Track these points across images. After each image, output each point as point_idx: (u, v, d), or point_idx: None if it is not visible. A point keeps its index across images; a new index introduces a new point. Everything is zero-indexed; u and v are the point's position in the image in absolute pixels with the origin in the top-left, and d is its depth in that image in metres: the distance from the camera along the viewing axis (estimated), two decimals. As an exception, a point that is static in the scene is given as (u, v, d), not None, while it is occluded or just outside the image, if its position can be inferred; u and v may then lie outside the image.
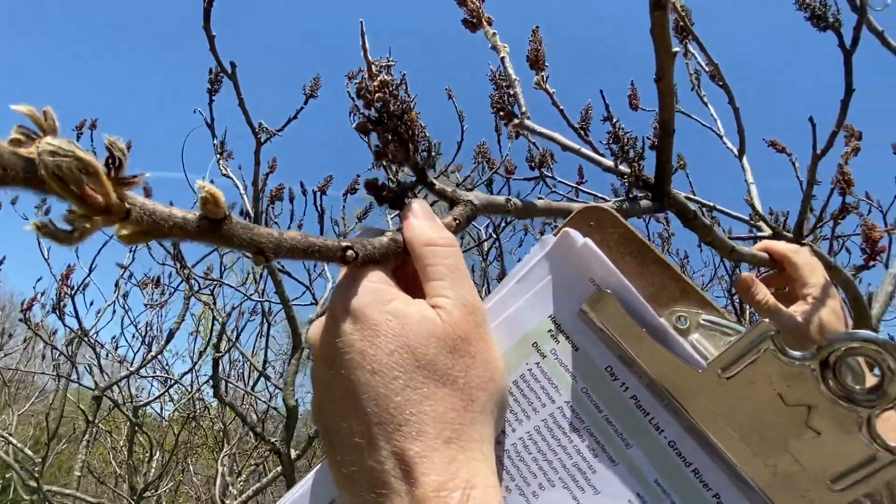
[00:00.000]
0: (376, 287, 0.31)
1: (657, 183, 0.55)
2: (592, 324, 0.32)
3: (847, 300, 0.93)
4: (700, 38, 1.13)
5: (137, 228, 0.23)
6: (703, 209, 1.62)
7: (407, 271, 0.34)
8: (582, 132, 1.17)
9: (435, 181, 0.38)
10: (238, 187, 1.68)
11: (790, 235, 0.75)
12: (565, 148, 0.68)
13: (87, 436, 2.72)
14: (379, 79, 0.34)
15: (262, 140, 1.40)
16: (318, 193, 1.76)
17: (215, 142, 1.58)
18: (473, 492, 0.26)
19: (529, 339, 0.34)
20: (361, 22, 0.34)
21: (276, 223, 1.94)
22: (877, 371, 0.27)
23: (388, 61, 0.36)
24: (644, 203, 0.56)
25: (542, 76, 0.82)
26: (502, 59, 0.70)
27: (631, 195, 0.56)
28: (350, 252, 0.30)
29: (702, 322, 0.31)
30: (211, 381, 2.07)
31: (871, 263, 1.31)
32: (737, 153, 1.36)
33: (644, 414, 0.31)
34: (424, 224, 0.34)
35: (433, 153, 0.37)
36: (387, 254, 0.33)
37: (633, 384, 0.31)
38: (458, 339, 0.29)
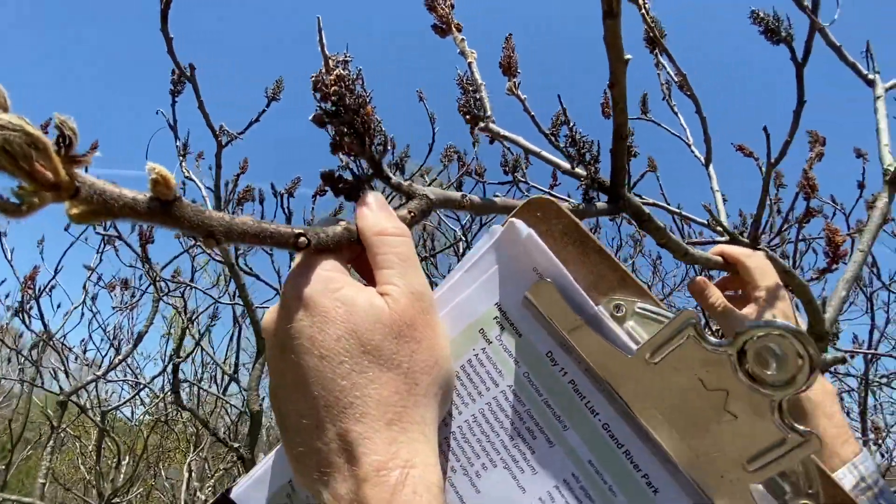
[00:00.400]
0: (328, 275, 0.32)
1: (612, 186, 0.57)
2: (535, 311, 0.34)
3: (801, 303, 0.97)
4: (675, 46, 1.16)
5: (87, 208, 0.24)
6: (676, 216, 1.66)
7: (366, 260, 0.35)
8: (553, 137, 1.20)
9: (391, 175, 0.39)
10: (200, 189, 1.67)
11: (746, 241, 0.77)
12: (527, 151, 0.70)
13: (51, 442, 2.66)
14: (335, 73, 0.35)
15: (224, 143, 1.39)
16: (286, 196, 1.75)
17: (178, 143, 1.56)
18: (412, 471, 0.28)
19: (477, 326, 0.35)
20: (318, 18, 0.35)
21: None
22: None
23: (346, 57, 0.37)
24: (600, 205, 0.58)
25: (514, 82, 0.84)
26: (469, 63, 0.72)
27: (588, 197, 0.58)
28: (302, 239, 0.31)
29: (637, 310, 0.33)
30: (176, 386, 2.04)
31: (835, 266, 1.36)
32: (703, 162, 1.39)
33: (581, 398, 0.32)
34: (378, 214, 0.35)
35: (389, 147, 0.38)
36: (340, 242, 0.33)
37: (572, 369, 0.33)
38: (404, 326, 0.31)
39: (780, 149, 0.85)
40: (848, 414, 3.39)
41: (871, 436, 2.55)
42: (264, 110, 1.49)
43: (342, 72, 0.36)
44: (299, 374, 0.30)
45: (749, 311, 0.66)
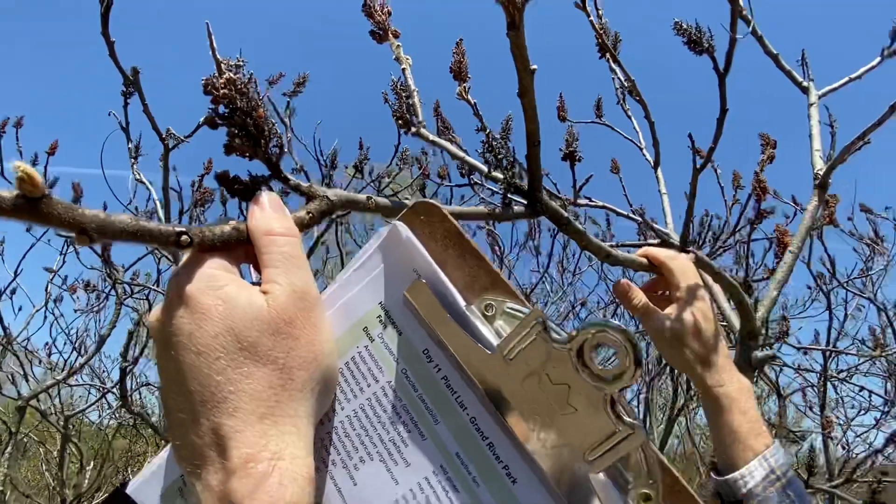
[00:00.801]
0: (211, 273, 0.32)
1: (530, 190, 0.58)
2: (413, 310, 0.35)
3: (734, 304, 1.00)
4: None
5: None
6: (640, 217, 1.69)
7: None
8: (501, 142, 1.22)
9: (289, 176, 0.40)
10: (151, 191, 1.65)
11: (676, 243, 0.80)
12: (453, 156, 0.71)
13: (9, 448, 2.61)
14: (225, 76, 0.36)
15: (171, 146, 1.38)
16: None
17: (130, 146, 1.54)
18: (280, 462, 0.28)
19: (361, 324, 0.36)
20: (207, 23, 0.36)
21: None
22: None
23: (239, 61, 0.37)
24: (518, 209, 0.59)
25: (465, 87, 0.85)
26: (403, 70, 0.73)
27: (506, 201, 0.59)
28: (185, 237, 0.32)
29: (506, 310, 0.34)
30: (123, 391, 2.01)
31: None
32: (652, 164, 1.42)
33: (452, 393, 0.34)
34: (268, 214, 0.35)
35: (285, 150, 0.39)
36: (228, 241, 0.34)
37: (446, 366, 0.34)
38: (282, 323, 0.31)
39: (706, 155, 0.88)
40: (811, 409, 3.47)
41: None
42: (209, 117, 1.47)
43: (233, 76, 0.36)
44: (179, 369, 0.30)
45: (671, 310, 0.68)
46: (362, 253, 0.38)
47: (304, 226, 0.38)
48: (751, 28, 1.16)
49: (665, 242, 0.82)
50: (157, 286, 2.65)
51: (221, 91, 0.36)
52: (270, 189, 0.39)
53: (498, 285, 0.35)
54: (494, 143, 0.61)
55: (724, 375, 0.65)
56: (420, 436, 0.33)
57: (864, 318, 3.32)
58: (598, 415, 0.30)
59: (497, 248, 2.87)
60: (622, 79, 1.39)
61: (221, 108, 0.37)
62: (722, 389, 0.64)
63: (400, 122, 0.72)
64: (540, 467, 0.31)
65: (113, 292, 2.58)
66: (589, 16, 1.03)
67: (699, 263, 0.85)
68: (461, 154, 0.71)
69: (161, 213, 1.49)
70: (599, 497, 0.30)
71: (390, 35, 0.74)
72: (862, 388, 3.24)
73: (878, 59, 1.12)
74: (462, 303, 0.34)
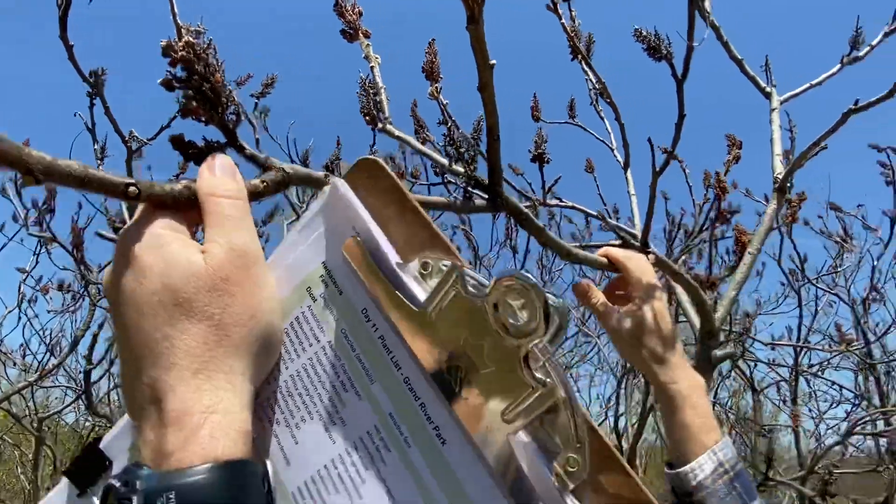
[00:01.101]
0: (157, 232, 0.33)
1: (490, 184, 0.60)
2: (351, 268, 0.35)
3: (693, 304, 1.02)
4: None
5: None
6: (601, 218, 1.71)
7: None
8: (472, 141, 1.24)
9: (245, 145, 0.41)
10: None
11: (637, 244, 0.82)
12: (416, 150, 0.73)
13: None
14: (185, 40, 0.37)
15: (134, 149, 1.36)
16: None
17: (96, 147, 1.52)
18: (213, 416, 0.29)
19: (305, 285, 0.37)
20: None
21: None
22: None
23: (199, 28, 0.39)
24: (478, 202, 0.61)
25: (437, 87, 0.87)
26: (372, 68, 0.75)
27: (467, 194, 0.61)
28: (132, 189, 0.32)
29: (442, 267, 0.34)
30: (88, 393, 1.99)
31: (740, 262, 1.44)
32: (623, 165, 1.44)
33: (388, 352, 0.34)
34: (216, 177, 0.36)
35: (241, 117, 0.40)
36: (178, 200, 0.34)
37: (383, 325, 0.34)
38: (219, 280, 0.32)
39: (664, 158, 0.91)
40: (784, 402, 3.53)
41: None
42: (175, 116, 1.44)
43: (192, 39, 0.38)
44: (124, 326, 0.31)
45: (627, 309, 0.69)
46: (307, 213, 0.38)
47: (257, 194, 0.39)
48: (710, 33, 1.19)
49: (626, 243, 0.84)
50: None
51: (180, 53, 0.37)
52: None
53: (436, 243, 0.35)
54: (456, 136, 0.62)
55: (677, 373, 0.67)
56: (356, 396, 0.34)
57: (836, 313, 3.39)
58: (514, 372, 0.30)
59: (473, 247, 2.88)
60: (594, 81, 1.41)
61: (179, 71, 0.38)
62: (675, 386, 0.66)
63: (367, 118, 0.73)
64: (465, 427, 0.31)
65: (86, 293, 2.54)
66: (560, 18, 1.05)
67: (658, 264, 0.88)
68: (422, 148, 0.73)
69: (126, 215, 1.46)
70: (520, 459, 0.30)
71: (361, 35, 0.75)
72: (833, 383, 3.31)
73: (838, 66, 1.16)
74: (394, 260, 0.34)
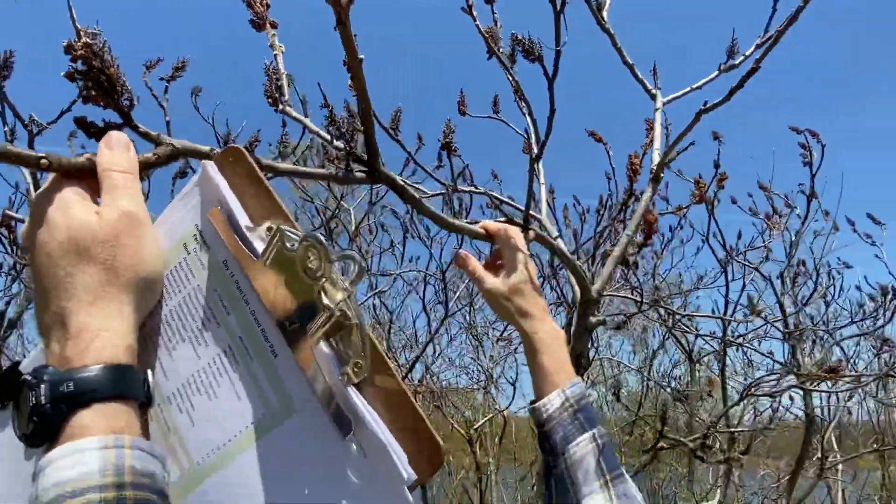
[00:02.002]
0: (64, 196, 0.42)
1: (369, 159, 0.69)
2: (214, 230, 0.46)
3: (572, 275, 1.15)
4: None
5: None
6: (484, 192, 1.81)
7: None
8: (392, 132, 1.33)
9: (140, 125, 0.51)
10: (25, 176, 1.65)
11: (520, 222, 0.92)
12: (309, 130, 0.82)
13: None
14: (83, 40, 0.46)
15: (35, 132, 1.40)
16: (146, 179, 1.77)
17: (6, 129, 1.53)
18: (104, 334, 0.39)
19: (182, 241, 0.47)
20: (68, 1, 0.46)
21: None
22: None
23: (96, 30, 0.48)
24: (358, 174, 0.70)
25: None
26: (276, 55, 0.83)
27: (348, 168, 0.70)
28: (44, 161, 0.41)
29: (283, 231, 0.44)
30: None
31: (649, 242, 1.58)
32: (535, 157, 1.54)
33: (241, 293, 0.45)
34: (112, 152, 0.45)
35: (136, 102, 0.50)
36: (82, 170, 0.44)
37: (238, 273, 0.45)
38: (111, 236, 0.41)
39: (539, 147, 1.02)
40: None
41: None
42: (76, 100, 1.47)
43: (89, 41, 0.47)
44: (37, 269, 0.41)
45: (499, 276, 0.81)
46: (185, 187, 0.49)
47: (149, 164, 0.49)
48: (594, 38, 1.31)
49: (510, 221, 0.95)
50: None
51: (80, 52, 0.46)
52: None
53: (279, 213, 0.46)
54: (335, 117, 0.72)
55: (538, 324, 0.78)
56: (216, 324, 0.45)
57: (765, 288, 3.59)
58: (316, 302, 0.41)
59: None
60: (510, 80, 1.51)
61: (80, 65, 0.47)
62: (536, 336, 0.77)
63: (269, 100, 0.82)
64: (289, 347, 0.43)
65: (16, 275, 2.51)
66: (475, 20, 1.12)
67: (540, 240, 0.99)
68: (313, 127, 0.82)
69: (33, 193, 1.49)
70: (319, 365, 0.42)
71: (268, 25, 0.83)
72: (770, 353, 3.53)
73: (716, 72, 1.27)
74: (245, 224, 0.45)
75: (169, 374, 0.46)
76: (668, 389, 3.58)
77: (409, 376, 3.71)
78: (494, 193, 1.60)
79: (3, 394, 0.44)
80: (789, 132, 2.61)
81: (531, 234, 0.93)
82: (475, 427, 4.05)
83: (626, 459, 4.03)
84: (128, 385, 0.39)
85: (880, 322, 2.96)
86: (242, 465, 0.43)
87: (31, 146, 1.36)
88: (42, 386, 0.36)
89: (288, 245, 0.42)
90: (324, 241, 0.41)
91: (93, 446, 0.35)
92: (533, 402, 0.76)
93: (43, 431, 0.36)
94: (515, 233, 0.84)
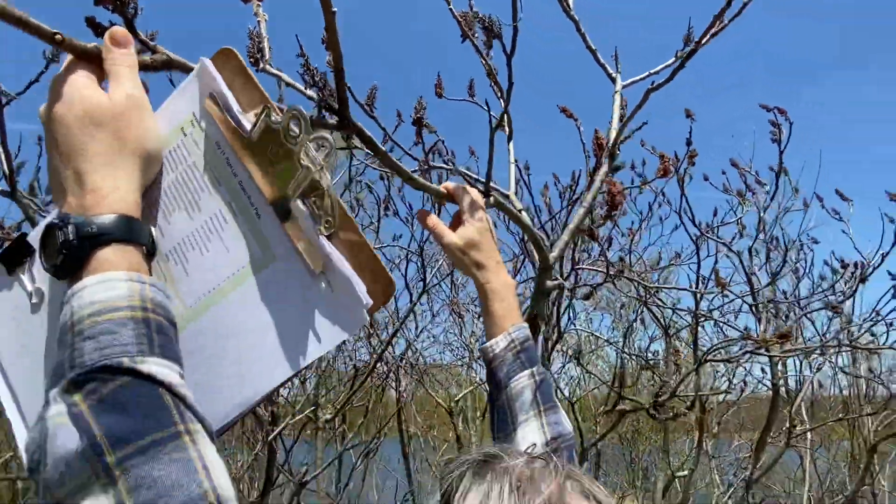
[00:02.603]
0: (78, 78, 0.50)
1: (340, 109, 0.76)
2: (210, 116, 0.54)
3: (530, 241, 1.22)
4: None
5: None
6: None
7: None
8: (368, 108, 1.39)
9: (140, 33, 0.57)
10: None
11: (481, 189, 0.99)
12: (286, 84, 0.88)
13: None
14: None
15: (4, 102, 1.44)
16: None
17: None
18: (115, 191, 0.47)
19: (180, 125, 0.55)
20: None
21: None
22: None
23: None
24: (331, 122, 0.76)
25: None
26: (259, 22, 0.89)
27: (321, 115, 0.77)
28: (58, 36, 0.48)
29: (270, 107, 0.52)
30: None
31: (615, 213, 1.64)
32: (507, 138, 1.60)
33: (230, 166, 0.53)
34: (119, 46, 0.52)
35: (139, 11, 0.57)
36: (91, 55, 0.51)
37: (229, 151, 0.53)
38: (118, 112, 0.49)
39: (497, 120, 1.12)
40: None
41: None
42: (43, 72, 1.53)
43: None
44: (55, 138, 0.48)
45: (458, 230, 0.88)
46: (185, 81, 0.56)
47: (144, 66, 0.56)
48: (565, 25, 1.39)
49: (474, 186, 1.02)
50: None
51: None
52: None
53: (265, 102, 0.54)
54: (310, 66, 0.79)
55: (491, 275, 0.86)
56: (209, 192, 0.54)
57: (739, 264, 3.68)
58: (294, 164, 0.51)
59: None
60: (484, 63, 1.56)
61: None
62: (489, 285, 0.86)
63: (251, 59, 0.88)
64: (273, 210, 0.52)
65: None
66: (449, 4, 1.17)
67: (499, 206, 1.07)
68: (288, 79, 0.88)
69: (4, 163, 1.52)
70: (299, 219, 0.51)
71: None
72: (746, 328, 3.64)
73: (673, 59, 1.32)
74: (237, 109, 0.53)
75: (166, 235, 0.54)
76: (644, 361, 3.69)
77: (391, 350, 3.80)
78: (463, 170, 1.67)
79: (13, 259, 0.53)
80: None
81: (491, 199, 1.00)
82: (456, 399, 4.15)
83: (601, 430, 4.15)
84: (137, 233, 0.47)
85: (841, 294, 3.07)
86: (232, 302, 0.52)
87: (0, 115, 1.42)
88: (69, 227, 0.44)
89: (274, 118, 0.51)
90: (305, 113, 0.49)
91: (119, 278, 0.44)
92: (483, 344, 0.85)
93: (71, 263, 0.44)
94: (474, 193, 0.92)
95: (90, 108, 0.48)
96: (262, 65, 0.91)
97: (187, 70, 0.61)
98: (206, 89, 0.55)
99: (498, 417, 0.81)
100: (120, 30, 0.53)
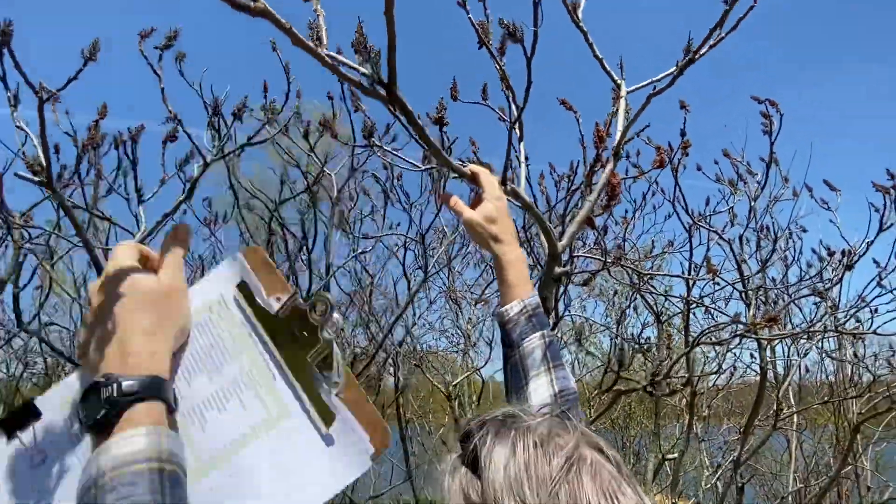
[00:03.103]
0: (133, 265, 0.58)
1: (389, 83, 0.81)
2: (238, 299, 0.63)
3: (541, 231, 1.29)
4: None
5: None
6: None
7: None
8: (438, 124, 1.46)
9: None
10: (31, 137, 1.69)
11: (497, 176, 1.06)
12: (348, 66, 0.92)
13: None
14: None
15: (45, 98, 1.46)
16: (130, 142, 1.89)
17: (9, 94, 1.62)
18: (153, 356, 0.54)
19: (209, 303, 0.63)
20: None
21: (97, 169, 2.07)
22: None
23: None
24: (380, 92, 0.82)
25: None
26: (317, 15, 0.93)
27: (372, 86, 0.82)
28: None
29: (296, 292, 0.63)
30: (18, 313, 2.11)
31: (613, 203, 1.71)
32: (518, 139, 1.65)
33: (251, 338, 0.62)
34: (175, 241, 0.62)
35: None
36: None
37: (252, 326, 0.62)
38: (164, 296, 0.57)
39: (518, 111, 1.16)
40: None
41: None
42: (81, 69, 1.53)
43: None
44: (104, 311, 0.55)
45: (477, 208, 0.98)
46: (219, 267, 0.65)
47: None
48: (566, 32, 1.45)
49: (503, 182, 1.10)
50: (59, 231, 2.59)
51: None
52: None
53: (287, 289, 0.63)
54: (366, 42, 0.84)
55: (507, 247, 0.97)
56: (230, 360, 0.61)
57: (730, 252, 3.77)
58: (316, 337, 0.60)
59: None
60: (498, 69, 1.60)
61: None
62: (505, 257, 0.96)
63: (315, 41, 0.92)
64: (290, 377, 0.60)
65: (10, 237, 2.51)
66: (468, 13, 1.23)
67: (513, 195, 1.14)
68: (341, 59, 0.91)
69: (42, 157, 1.54)
70: (312, 381, 0.59)
71: None
72: (737, 314, 3.73)
73: (674, 68, 1.38)
74: (265, 295, 0.62)
75: (185, 396, 0.59)
76: (637, 345, 3.79)
77: (390, 338, 3.86)
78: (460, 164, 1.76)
79: (15, 426, 0.58)
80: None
81: (508, 187, 1.08)
82: (454, 384, 4.24)
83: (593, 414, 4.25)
84: (166, 392, 0.54)
85: (828, 281, 3.17)
86: (246, 456, 0.58)
87: (41, 111, 1.45)
88: (114, 385, 0.51)
89: (300, 299, 0.62)
90: (331, 297, 0.59)
91: (141, 433, 0.49)
92: (499, 308, 0.95)
93: (111, 417, 0.50)
94: (492, 178, 1.03)
95: (146, 291, 0.56)
96: (322, 50, 0.96)
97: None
98: (235, 276, 0.64)
99: (511, 374, 0.91)
100: (183, 227, 0.63)
